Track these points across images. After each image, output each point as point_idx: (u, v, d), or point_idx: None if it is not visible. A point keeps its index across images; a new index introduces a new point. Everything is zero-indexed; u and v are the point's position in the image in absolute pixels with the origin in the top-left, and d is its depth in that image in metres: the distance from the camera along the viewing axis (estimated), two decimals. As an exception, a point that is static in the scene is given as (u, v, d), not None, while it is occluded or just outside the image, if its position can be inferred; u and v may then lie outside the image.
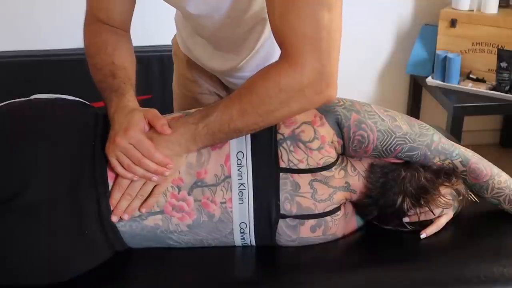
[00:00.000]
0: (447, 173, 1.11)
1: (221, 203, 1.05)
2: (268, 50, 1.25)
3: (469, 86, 2.43)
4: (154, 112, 1.04)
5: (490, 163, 1.15)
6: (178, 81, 1.54)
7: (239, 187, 1.05)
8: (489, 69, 2.46)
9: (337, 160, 1.09)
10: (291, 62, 0.96)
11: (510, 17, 2.43)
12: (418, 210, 1.10)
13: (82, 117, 1.07)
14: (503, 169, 1.16)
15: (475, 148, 1.17)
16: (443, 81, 2.48)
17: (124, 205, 1.01)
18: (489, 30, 2.44)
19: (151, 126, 1.02)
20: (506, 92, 2.37)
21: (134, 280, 1.05)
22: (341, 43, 0.97)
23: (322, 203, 1.07)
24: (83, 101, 1.14)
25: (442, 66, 2.46)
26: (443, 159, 1.11)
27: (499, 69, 2.37)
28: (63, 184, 0.98)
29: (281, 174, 1.05)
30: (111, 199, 1.01)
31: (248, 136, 1.06)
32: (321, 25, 0.93)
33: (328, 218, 1.08)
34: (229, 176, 1.05)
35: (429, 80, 2.52)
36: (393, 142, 1.08)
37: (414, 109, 2.80)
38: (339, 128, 1.07)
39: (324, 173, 1.07)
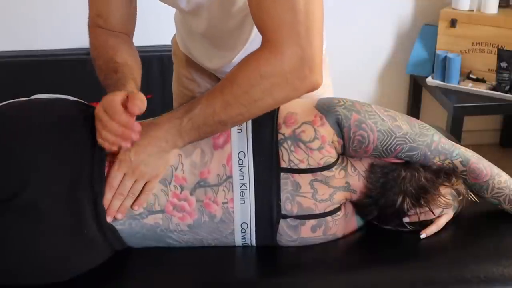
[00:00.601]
0: (447, 173, 1.11)
1: (223, 203, 1.05)
2: None
3: (469, 86, 2.43)
4: (139, 94, 0.99)
5: (490, 163, 1.15)
6: (178, 81, 1.54)
7: (240, 187, 1.05)
8: (489, 69, 2.46)
9: (337, 160, 1.09)
10: (271, 48, 0.95)
11: (510, 17, 2.43)
12: (418, 210, 1.10)
13: (81, 117, 1.07)
14: (503, 169, 1.16)
15: (475, 148, 1.17)
16: (443, 81, 2.48)
17: (116, 204, 1.01)
18: (489, 30, 2.44)
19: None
20: (506, 92, 2.37)
21: (133, 280, 1.05)
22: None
23: (322, 203, 1.07)
24: (83, 101, 1.14)
25: (442, 66, 2.46)
26: (443, 159, 1.11)
27: (499, 69, 2.37)
28: (62, 184, 0.98)
29: (282, 174, 1.05)
30: (104, 200, 1.01)
31: (250, 136, 1.06)
32: (297, 9, 0.92)
33: (328, 218, 1.08)
34: (230, 176, 1.05)
35: (429, 80, 2.52)
36: (393, 142, 1.08)
37: (414, 109, 2.80)
38: (340, 128, 1.07)
39: (325, 173, 1.07)
